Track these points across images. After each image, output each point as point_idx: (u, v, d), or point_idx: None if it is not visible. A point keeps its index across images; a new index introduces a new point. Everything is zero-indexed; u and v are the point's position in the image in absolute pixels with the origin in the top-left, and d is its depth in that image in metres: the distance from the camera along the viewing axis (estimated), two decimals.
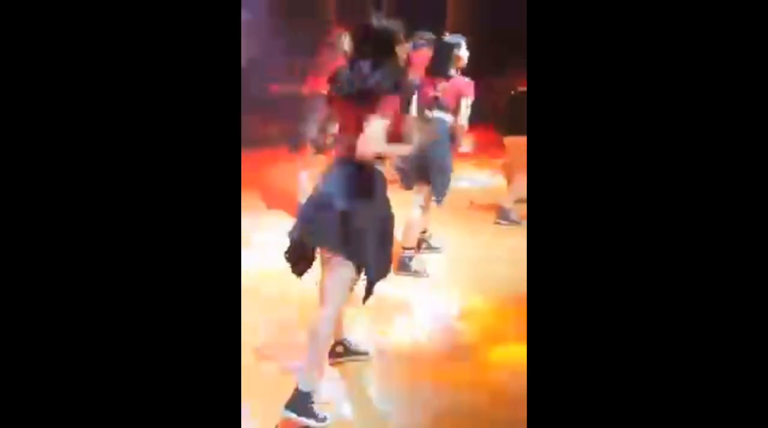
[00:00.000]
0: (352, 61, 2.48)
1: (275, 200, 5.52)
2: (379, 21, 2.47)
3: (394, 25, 2.49)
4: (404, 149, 2.58)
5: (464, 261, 4.50)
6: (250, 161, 6.90)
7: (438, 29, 4.52)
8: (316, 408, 2.49)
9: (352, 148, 2.39)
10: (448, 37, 4.13)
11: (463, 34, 4.28)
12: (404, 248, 4.21)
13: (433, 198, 4.19)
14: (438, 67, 4.11)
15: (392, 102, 2.39)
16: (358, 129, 2.37)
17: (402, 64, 2.51)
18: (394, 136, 2.44)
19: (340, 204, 2.40)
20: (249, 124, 7.51)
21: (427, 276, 4.17)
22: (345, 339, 3.04)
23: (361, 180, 2.43)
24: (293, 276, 2.58)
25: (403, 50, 2.53)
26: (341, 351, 3.03)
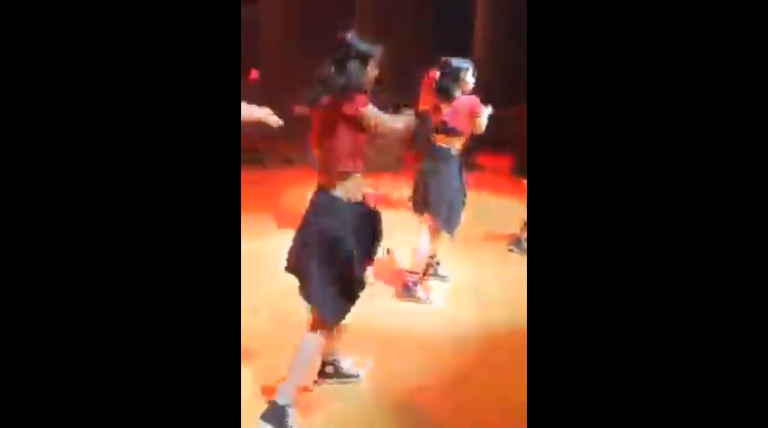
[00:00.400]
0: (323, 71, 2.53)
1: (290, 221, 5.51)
2: (353, 38, 2.52)
3: (370, 46, 2.54)
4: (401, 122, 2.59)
5: (471, 289, 4.43)
6: (271, 182, 6.96)
7: (465, 56, 4.46)
8: (291, 422, 2.52)
9: (324, 172, 2.53)
10: (455, 61, 4.07)
11: (494, 63, 4.23)
12: (409, 272, 4.17)
13: (444, 231, 4.13)
14: (443, 90, 4.05)
15: (362, 101, 2.45)
16: (331, 142, 2.47)
17: (370, 82, 2.56)
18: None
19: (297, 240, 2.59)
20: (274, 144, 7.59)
21: (430, 303, 4.12)
22: (336, 360, 3.02)
23: (321, 212, 2.53)
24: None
25: (373, 69, 2.56)
26: (331, 372, 3.02)
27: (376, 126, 2.46)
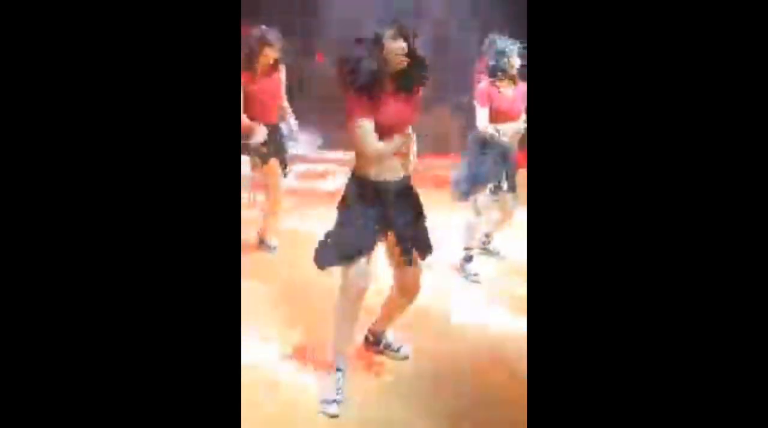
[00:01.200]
0: None
1: None
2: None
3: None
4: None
5: (522, 269, 4.35)
6: None
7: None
8: (339, 385, 2.64)
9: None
10: (501, 41, 3.85)
11: None
12: (465, 248, 4.14)
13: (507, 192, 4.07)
14: (493, 73, 3.88)
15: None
16: None
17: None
18: None
19: None
20: None
21: (479, 282, 4.06)
22: (382, 332, 3.05)
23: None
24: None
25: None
26: (374, 342, 3.06)
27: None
